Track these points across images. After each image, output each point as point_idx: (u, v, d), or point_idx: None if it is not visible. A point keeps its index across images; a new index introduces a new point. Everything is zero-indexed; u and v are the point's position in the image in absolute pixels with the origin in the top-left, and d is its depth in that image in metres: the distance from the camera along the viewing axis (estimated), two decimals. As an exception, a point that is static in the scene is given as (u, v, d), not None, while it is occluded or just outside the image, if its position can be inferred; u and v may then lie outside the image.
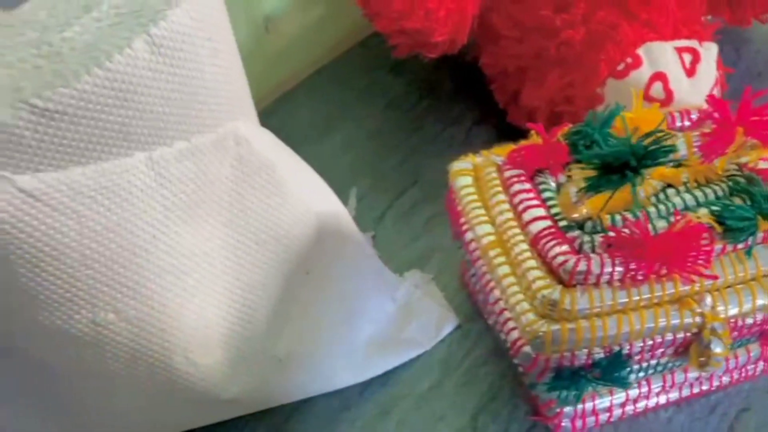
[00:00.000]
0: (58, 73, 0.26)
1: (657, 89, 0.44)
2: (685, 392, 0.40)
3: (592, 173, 0.32)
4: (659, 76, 0.44)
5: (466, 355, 0.44)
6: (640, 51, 0.44)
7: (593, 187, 0.32)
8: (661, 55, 0.44)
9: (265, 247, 0.34)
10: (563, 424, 0.39)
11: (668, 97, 0.44)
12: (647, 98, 0.43)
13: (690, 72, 0.45)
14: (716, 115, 0.31)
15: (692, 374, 0.39)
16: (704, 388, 0.41)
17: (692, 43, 0.46)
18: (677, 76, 0.44)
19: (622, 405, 0.39)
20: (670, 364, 0.38)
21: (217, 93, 0.30)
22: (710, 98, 0.33)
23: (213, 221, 0.32)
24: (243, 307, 0.34)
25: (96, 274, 0.28)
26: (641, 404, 0.40)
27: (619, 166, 0.30)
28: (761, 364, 0.41)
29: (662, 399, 0.40)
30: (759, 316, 0.35)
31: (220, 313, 0.33)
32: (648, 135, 0.30)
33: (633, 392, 0.39)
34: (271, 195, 0.33)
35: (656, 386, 0.39)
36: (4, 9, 0.29)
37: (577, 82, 0.45)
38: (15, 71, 0.26)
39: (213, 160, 0.31)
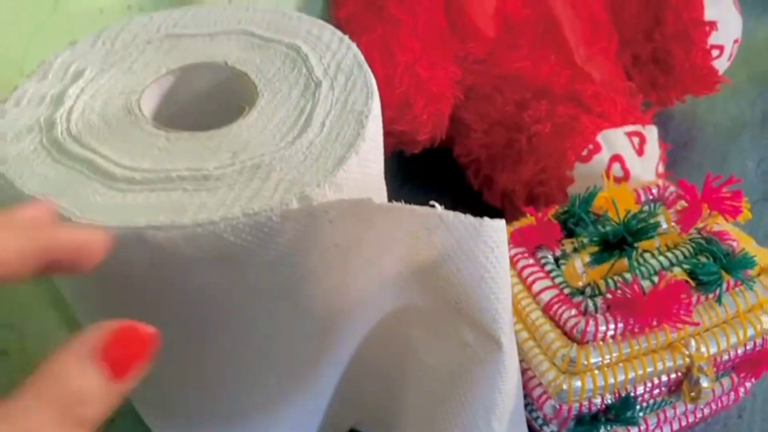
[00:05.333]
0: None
1: (616, 169, 0.52)
2: (675, 426, 0.47)
3: (593, 249, 0.38)
4: (617, 158, 0.52)
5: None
6: (599, 138, 0.52)
7: (597, 260, 0.38)
8: (615, 141, 0.52)
9: None
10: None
11: (626, 175, 0.52)
12: (609, 177, 0.51)
13: (639, 152, 0.53)
14: (687, 196, 0.39)
15: (680, 410, 0.46)
16: (690, 420, 0.47)
17: (637, 127, 0.54)
18: (630, 156, 0.52)
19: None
20: (664, 402, 0.44)
21: None
22: (681, 183, 0.41)
23: None
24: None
25: None
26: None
27: (616, 242, 0.37)
28: (732, 394, 0.48)
29: (658, 433, 0.47)
30: (732, 353, 0.42)
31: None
32: (637, 215, 0.37)
33: (634, 431, 0.45)
34: None
35: (652, 423, 0.45)
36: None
37: (549, 167, 0.52)
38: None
39: None
